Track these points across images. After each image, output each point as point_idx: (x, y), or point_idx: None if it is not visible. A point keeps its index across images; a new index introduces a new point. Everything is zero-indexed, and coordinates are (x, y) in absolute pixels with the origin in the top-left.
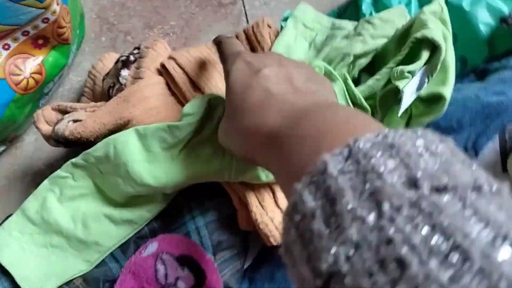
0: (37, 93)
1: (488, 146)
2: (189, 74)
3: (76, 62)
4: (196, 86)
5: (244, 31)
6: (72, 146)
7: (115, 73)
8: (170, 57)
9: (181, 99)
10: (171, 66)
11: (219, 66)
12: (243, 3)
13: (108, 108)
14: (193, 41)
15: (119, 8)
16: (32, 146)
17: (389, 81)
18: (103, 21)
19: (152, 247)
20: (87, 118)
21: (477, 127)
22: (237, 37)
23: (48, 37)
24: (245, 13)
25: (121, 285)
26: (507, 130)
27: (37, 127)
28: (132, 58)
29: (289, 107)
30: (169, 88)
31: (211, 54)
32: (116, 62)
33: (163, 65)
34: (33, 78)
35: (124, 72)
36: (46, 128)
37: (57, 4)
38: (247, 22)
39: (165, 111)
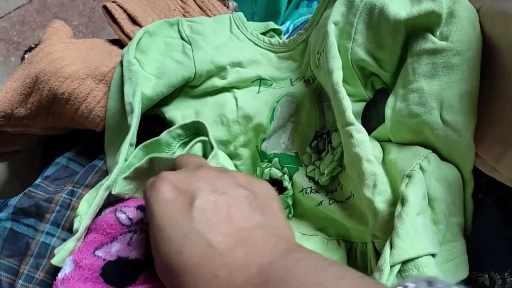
0: None
1: None
2: (128, 11)
3: None
4: (135, 22)
5: None
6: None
7: (21, 62)
8: (112, 1)
9: (121, 36)
10: (112, 6)
11: (157, 10)
12: None
13: (15, 76)
14: (100, 33)
15: (20, 25)
16: None
17: None
18: (8, 42)
19: (107, 209)
20: None
21: None
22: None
23: None
24: None
25: (85, 241)
26: None
27: None
28: (33, 45)
29: (240, 267)
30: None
31: (151, 1)
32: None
33: (104, 6)
34: None
35: (27, 56)
36: None
37: None
38: None
39: (70, 58)
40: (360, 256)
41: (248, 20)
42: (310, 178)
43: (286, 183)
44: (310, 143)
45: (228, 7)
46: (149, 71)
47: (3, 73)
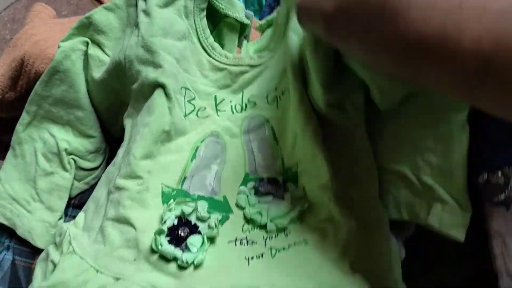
0: None
1: None
2: None
3: None
4: None
5: None
6: None
7: None
8: None
9: None
10: None
11: None
12: None
13: (2, 61)
14: None
15: (11, 23)
16: None
17: None
18: (1, 41)
19: None
20: None
21: None
22: None
23: None
24: None
25: None
26: None
27: None
28: None
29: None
30: None
31: None
32: None
33: None
34: None
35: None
36: None
37: None
38: None
39: (53, 39)
40: None
41: None
42: (250, 222)
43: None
44: (242, 184)
45: None
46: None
47: None
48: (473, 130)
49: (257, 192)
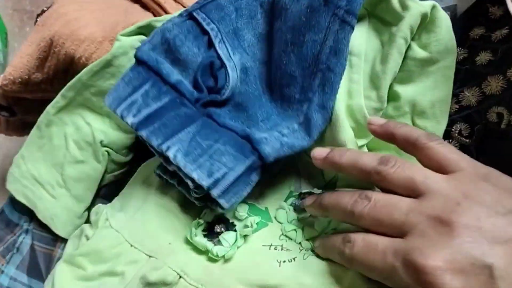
0: None
1: None
2: None
3: (10, 60)
4: None
5: None
6: (17, 112)
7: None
8: None
9: None
10: None
11: None
12: None
13: (30, 40)
14: None
15: None
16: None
17: None
18: (21, 12)
19: None
20: (13, 58)
21: None
22: None
23: None
24: None
25: None
26: None
27: None
28: (45, 8)
29: None
30: None
31: None
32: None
33: None
34: None
35: (40, 18)
36: None
37: None
38: None
39: (84, 19)
40: None
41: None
42: (286, 237)
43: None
44: (285, 199)
45: None
46: None
47: (19, 44)
48: None
49: (296, 209)
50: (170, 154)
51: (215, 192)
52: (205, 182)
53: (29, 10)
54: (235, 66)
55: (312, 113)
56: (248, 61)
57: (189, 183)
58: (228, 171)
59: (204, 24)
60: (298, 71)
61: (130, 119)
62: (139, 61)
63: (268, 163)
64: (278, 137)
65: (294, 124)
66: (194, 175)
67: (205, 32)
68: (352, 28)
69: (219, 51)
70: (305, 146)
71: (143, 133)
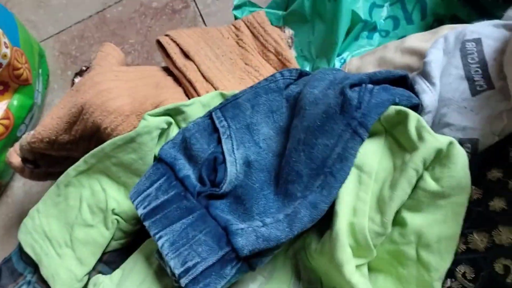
0: (9, 138)
1: None
2: (181, 45)
3: (48, 101)
4: (188, 57)
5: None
6: (41, 165)
7: (71, 85)
8: (165, 35)
9: (174, 71)
10: (165, 41)
11: (210, 41)
12: (196, 4)
13: (62, 103)
14: (154, 53)
15: (79, 40)
16: (21, 191)
17: None
18: (66, 56)
19: None
20: (44, 118)
21: None
22: (236, 28)
23: (7, 82)
24: (200, 13)
25: None
26: None
27: (9, 162)
28: (84, 68)
29: None
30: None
31: (204, 32)
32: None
33: (158, 41)
34: (1, 124)
35: (77, 79)
36: (18, 160)
37: (6, 47)
38: (204, 22)
39: (117, 90)
40: None
41: (304, 49)
42: None
43: None
44: None
45: (284, 32)
46: None
47: (59, 86)
48: None
49: None
50: (159, 243)
51: (183, 281)
52: (177, 270)
53: (74, 55)
54: (235, 161)
55: (301, 208)
56: (254, 154)
57: (168, 270)
58: (199, 261)
59: (217, 122)
60: (306, 171)
61: (140, 211)
62: (160, 159)
63: (244, 256)
64: (255, 228)
65: (281, 214)
66: (171, 263)
67: (216, 129)
68: (362, 140)
69: (224, 146)
70: (282, 238)
71: (147, 224)
